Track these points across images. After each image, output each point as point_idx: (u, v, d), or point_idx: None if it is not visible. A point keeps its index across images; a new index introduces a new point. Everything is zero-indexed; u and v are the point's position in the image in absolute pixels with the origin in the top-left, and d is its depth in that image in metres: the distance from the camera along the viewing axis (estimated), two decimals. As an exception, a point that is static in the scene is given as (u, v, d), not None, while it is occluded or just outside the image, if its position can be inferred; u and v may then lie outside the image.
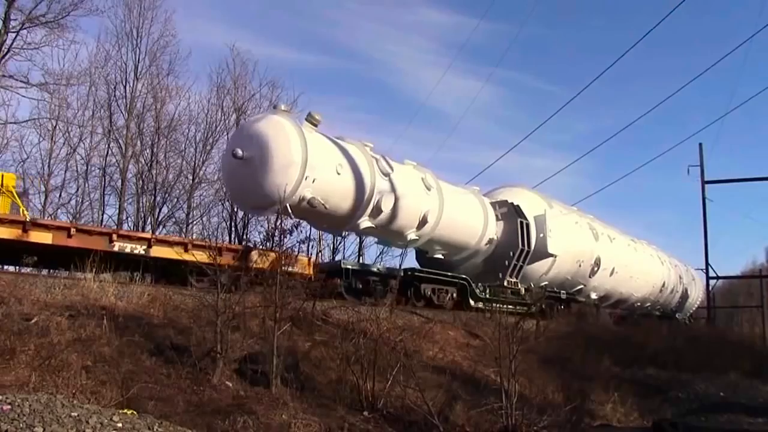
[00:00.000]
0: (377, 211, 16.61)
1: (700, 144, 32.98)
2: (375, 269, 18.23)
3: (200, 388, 8.94)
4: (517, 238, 20.83)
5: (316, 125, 15.61)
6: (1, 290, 10.20)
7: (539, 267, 22.22)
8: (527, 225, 21.35)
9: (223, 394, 9.00)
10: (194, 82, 56.02)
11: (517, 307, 18.89)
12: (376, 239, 22.24)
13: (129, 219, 28.45)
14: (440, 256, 20.15)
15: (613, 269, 26.24)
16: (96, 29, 59.30)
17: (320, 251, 30.35)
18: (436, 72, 78.77)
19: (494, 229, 20.99)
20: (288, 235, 11.83)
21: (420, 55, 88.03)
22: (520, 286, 21.10)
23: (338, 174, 15.57)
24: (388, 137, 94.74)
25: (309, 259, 16.07)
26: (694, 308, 37.67)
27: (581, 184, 77.26)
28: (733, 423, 12.92)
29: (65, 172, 28.06)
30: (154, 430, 6.64)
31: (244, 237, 27.51)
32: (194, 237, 22.37)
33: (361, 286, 16.75)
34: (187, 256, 13.65)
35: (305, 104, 44.35)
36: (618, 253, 26.91)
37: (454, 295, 19.27)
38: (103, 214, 28.63)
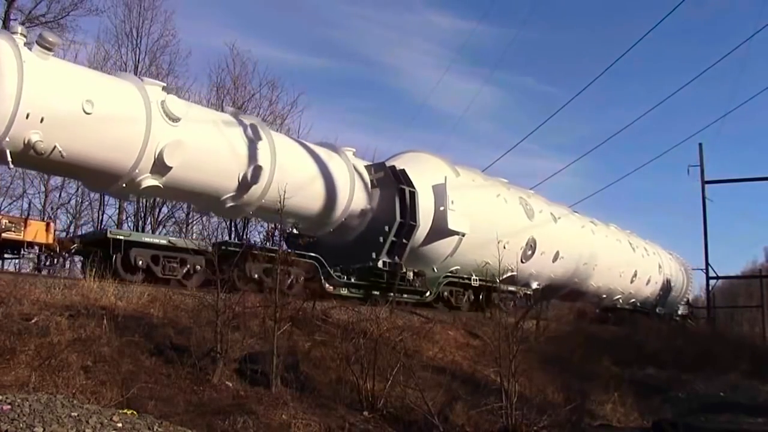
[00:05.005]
0: (162, 166, 13.07)
1: (700, 144, 33.03)
2: (165, 242, 14.21)
3: (200, 388, 8.95)
4: (395, 209, 17.07)
5: (50, 50, 12.00)
6: (1, 290, 10.18)
7: (441, 247, 18.39)
8: (412, 194, 17.38)
9: (223, 394, 9.00)
10: (194, 82, 55.99)
11: (404, 295, 16.88)
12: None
13: (129, 219, 28.50)
14: (295, 230, 17.46)
15: (557, 253, 22.36)
16: (96, 29, 59.26)
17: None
18: (438, 74, 78.72)
19: (366, 199, 17.34)
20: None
21: (422, 57, 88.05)
22: (405, 269, 17.54)
23: (87, 113, 11.98)
24: (388, 138, 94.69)
25: (47, 225, 13.76)
26: (682, 303, 34.95)
27: (584, 185, 77.22)
28: (733, 423, 12.93)
29: (65, 171, 28.06)
30: (154, 430, 6.64)
31: (244, 237, 27.52)
32: (194, 237, 22.04)
33: (141, 263, 13.48)
34: None
35: (305, 105, 44.78)
36: (564, 235, 22.82)
37: (301, 278, 15.67)
38: (102, 214, 28.70)
